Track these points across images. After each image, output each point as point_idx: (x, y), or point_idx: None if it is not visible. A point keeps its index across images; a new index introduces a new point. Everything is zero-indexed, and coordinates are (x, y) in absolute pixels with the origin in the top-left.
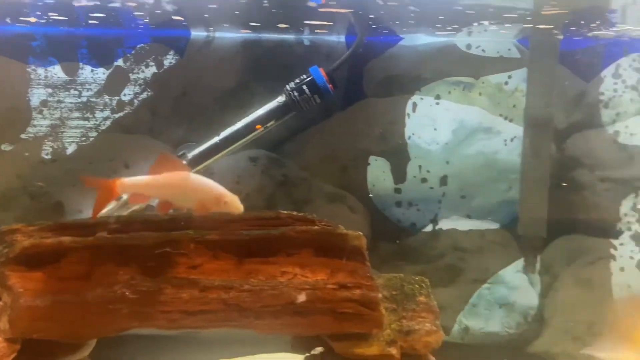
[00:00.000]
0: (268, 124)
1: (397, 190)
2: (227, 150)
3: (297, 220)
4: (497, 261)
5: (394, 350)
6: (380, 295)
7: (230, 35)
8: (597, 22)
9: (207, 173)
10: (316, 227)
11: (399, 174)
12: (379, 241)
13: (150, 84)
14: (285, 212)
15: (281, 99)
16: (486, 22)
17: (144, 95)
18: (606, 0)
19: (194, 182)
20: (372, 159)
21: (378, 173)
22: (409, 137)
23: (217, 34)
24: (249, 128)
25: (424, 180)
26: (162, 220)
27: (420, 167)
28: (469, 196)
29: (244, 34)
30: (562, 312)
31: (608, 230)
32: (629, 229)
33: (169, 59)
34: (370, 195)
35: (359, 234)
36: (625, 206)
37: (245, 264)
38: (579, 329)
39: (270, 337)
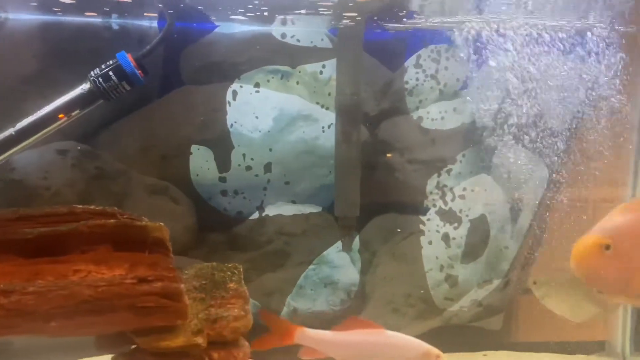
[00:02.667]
0: (72, 113)
1: (222, 179)
2: (25, 143)
3: (94, 215)
4: (321, 243)
5: (200, 340)
6: (182, 285)
7: (26, 17)
8: (399, 14)
9: (7, 169)
10: (112, 220)
11: (223, 163)
12: (206, 232)
13: None
14: (80, 206)
15: (86, 86)
16: (302, 12)
17: None
18: None
19: (392, 340)
20: (194, 147)
21: (201, 162)
22: (231, 125)
23: (11, 16)
24: (50, 118)
25: (248, 168)
26: None
27: (244, 155)
28: (293, 182)
29: (42, 16)
30: (382, 286)
31: (417, 207)
32: (435, 206)
33: None
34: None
35: (160, 225)
36: (430, 185)
37: (32, 264)
38: (398, 301)
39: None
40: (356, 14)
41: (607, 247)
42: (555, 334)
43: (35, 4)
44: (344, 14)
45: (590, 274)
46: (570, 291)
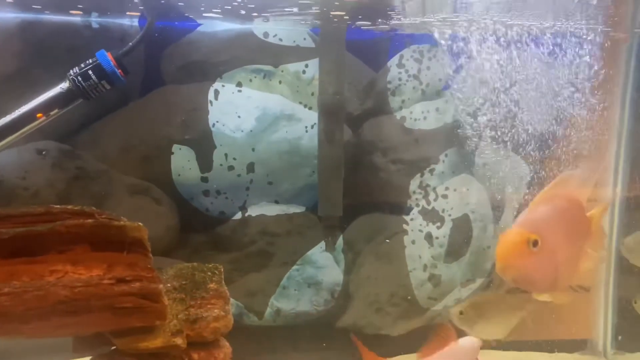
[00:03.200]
0: (51, 113)
1: (204, 179)
2: (3, 142)
3: (72, 215)
4: (305, 243)
5: (179, 340)
6: (161, 286)
7: (4, 15)
8: (381, 14)
9: None
10: (90, 220)
11: (205, 163)
12: (188, 232)
13: None
14: (58, 206)
15: (64, 85)
16: (285, 10)
17: None
18: None
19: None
20: (175, 147)
21: (183, 162)
22: (213, 125)
23: None
24: (29, 117)
25: (230, 168)
26: None
27: (226, 154)
28: (276, 182)
29: (21, 14)
30: (366, 286)
31: (400, 207)
32: (418, 205)
33: None
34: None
35: (138, 225)
36: (414, 185)
37: (8, 265)
38: (382, 301)
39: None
40: (343, 13)
41: (535, 243)
42: (538, 332)
43: (11, 0)
44: (330, 13)
45: (519, 274)
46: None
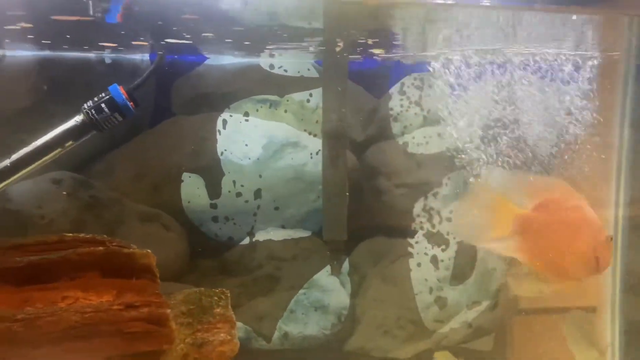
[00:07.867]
0: (66, 144)
1: (213, 206)
2: (21, 173)
3: (84, 242)
4: (311, 267)
5: None
6: (169, 311)
7: (23, 53)
8: (382, 46)
9: (3, 199)
10: (101, 248)
11: (214, 190)
12: (197, 257)
13: None
14: (70, 234)
15: (79, 118)
16: (286, 44)
17: None
18: (388, 26)
19: None
20: (185, 175)
21: (192, 189)
22: (222, 153)
23: (8, 53)
24: (45, 149)
25: (238, 194)
26: None
27: (234, 181)
28: (282, 207)
29: (39, 53)
30: (372, 309)
31: (405, 230)
32: (422, 228)
33: None
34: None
35: (147, 252)
36: (417, 208)
37: (22, 292)
38: (388, 324)
39: None
40: (345, 46)
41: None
42: (548, 354)
43: (31, 36)
44: (329, 46)
45: None
46: None
